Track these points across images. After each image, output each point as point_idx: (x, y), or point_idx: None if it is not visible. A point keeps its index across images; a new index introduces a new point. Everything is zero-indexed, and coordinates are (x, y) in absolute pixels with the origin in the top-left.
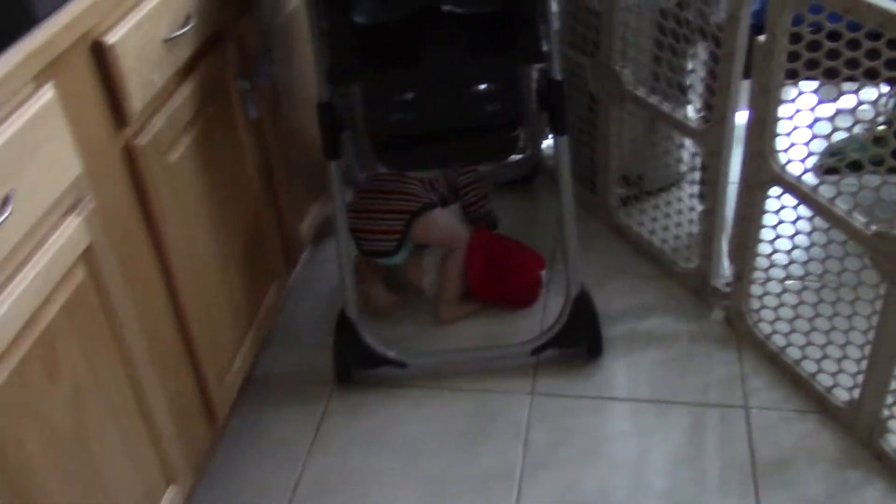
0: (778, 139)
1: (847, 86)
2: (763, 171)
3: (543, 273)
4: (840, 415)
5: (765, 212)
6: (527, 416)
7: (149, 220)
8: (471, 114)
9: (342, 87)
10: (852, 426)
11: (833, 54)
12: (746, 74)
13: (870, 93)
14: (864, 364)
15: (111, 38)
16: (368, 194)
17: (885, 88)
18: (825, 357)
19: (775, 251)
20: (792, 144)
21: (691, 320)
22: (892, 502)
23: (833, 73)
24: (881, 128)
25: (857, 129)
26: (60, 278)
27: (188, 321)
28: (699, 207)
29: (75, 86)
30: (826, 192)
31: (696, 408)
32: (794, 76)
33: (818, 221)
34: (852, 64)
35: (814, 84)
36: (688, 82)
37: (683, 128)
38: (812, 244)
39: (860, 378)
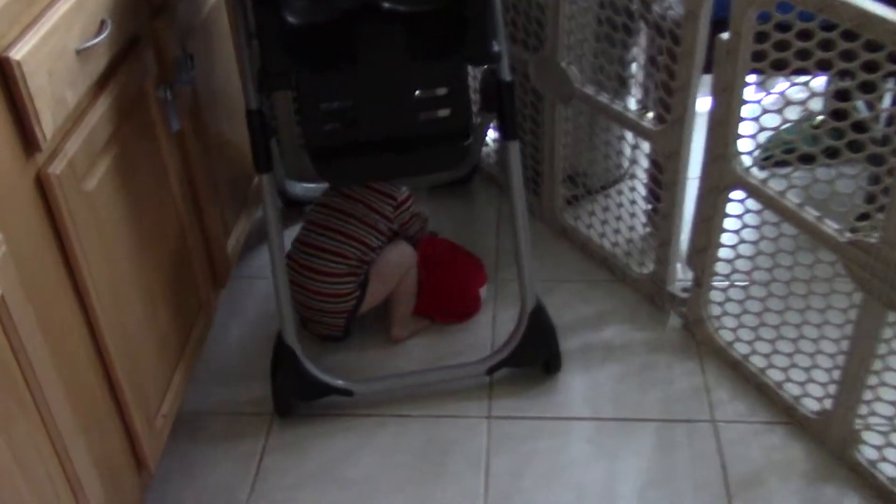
0: (740, 141)
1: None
2: (725, 174)
3: (482, 290)
4: (810, 425)
5: (726, 215)
6: (485, 442)
7: (67, 259)
8: (417, 121)
9: (269, 96)
10: (824, 437)
11: (803, 54)
12: (707, 69)
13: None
14: (835, 373)
15: (16, 54)
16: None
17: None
18: (793, 366)
19: (738, 256)
20: (756, 146)
21: (648, 329)
22: None
23: (802, 72)
24: (819, 118)
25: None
26: None
27: (113, 369)
28: (647, 206)
29: None
30: (794, 196)
31: (661, 424)
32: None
33: (786, 227)
34: (824, 65)
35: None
36: (628, 73)
37: (638, 129)
38: (778, 250)
39: (832, 388)
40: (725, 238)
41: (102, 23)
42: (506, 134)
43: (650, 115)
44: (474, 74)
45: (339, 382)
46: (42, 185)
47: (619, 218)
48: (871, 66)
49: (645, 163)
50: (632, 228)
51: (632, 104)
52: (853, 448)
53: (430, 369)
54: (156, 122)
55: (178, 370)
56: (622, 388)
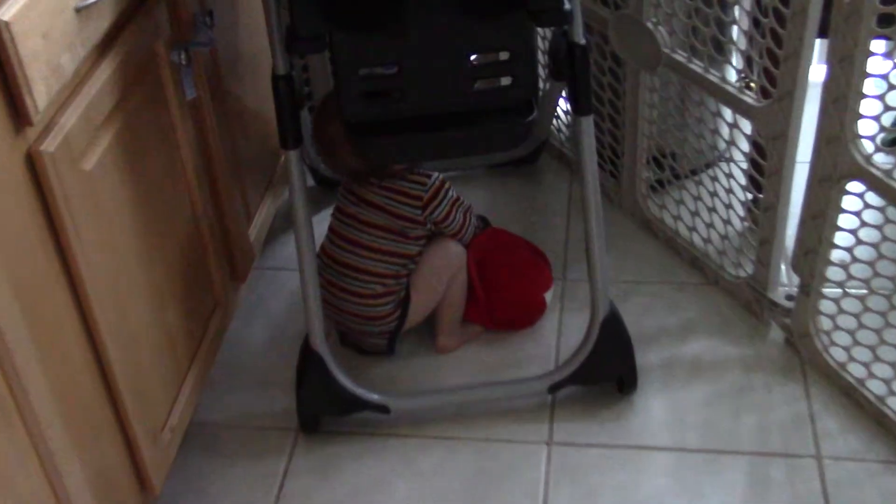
0: (861, 122)
1: None
2: (841, 161)
3: (548, 293)
4: None
5: (841, 210)
6: (544, 472)
7: (61, 248)
8: (473, 92)
9: (303, 57)
10: None
11: None
12: (821, 34)
13: None
14: None
15: (4, 14)
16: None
17: None
18: None
19: (854, 259)
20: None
21: (744, 343)
22: None
23: None
24: None
25: None
26: None
27: (112, 373)
28: (746, 197)
29: None
30: None
31: (756, 458)
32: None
33: None
34: None
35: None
36: (727, 37)
37: (737, 104)
38: None
39: None
40: (839, 238)
41: None
42: (578, 107)
43: (752, 87)
44: (543, 34)
45: (375, 396)
46: (33, 165)
47: (712, 209)
48: None
49: (745, 145)
50: (727, 222)
51: (731, 74)
52: None
53: (481, 384)
54: (168, 90)
55: (190, 376)
56: (710, 413)
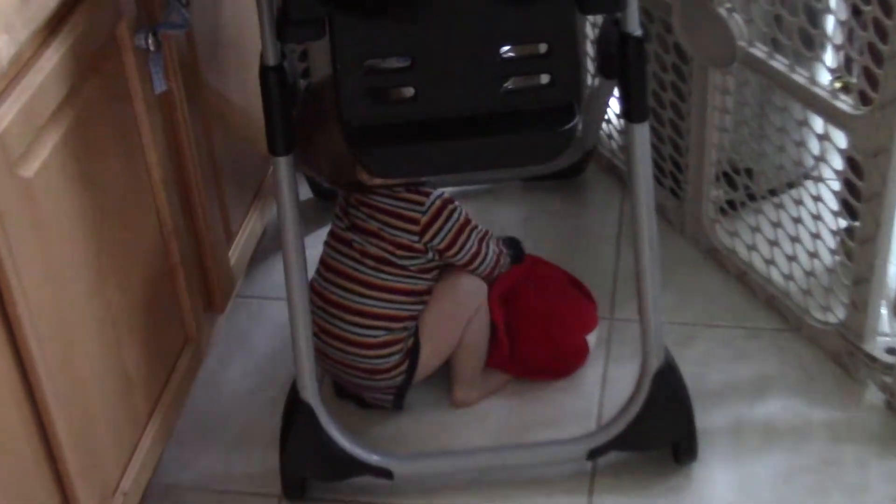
0: None
1: None
2: None
3: (591, 336)
4: None
5: None
6: None
7: None
8: (503, 91)
9: (298, 45)
10: None
11: None
12: None
13: None
14: None
15: None
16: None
17: None
18: None
19: None
20: None
21: (833, 404)
22: None
23: None
24: None
25: None
26: None
27: (52, 425)
28: (839, 224)
29: None
30: None
31: None
32: None
33: None
34: None
35: None
36: (819, 29)
37: (829, 111)
38: None
39: None
40: None
41: None
42: (631, 112)
43: (849, 91)
44: (594, 21)
45: (375, 458)
46: None
47: (795, 239)
48: None
49: (838, 161)
50: (814, 255)
51: (822, 75)
52: None
53: (505, 447)
54: (131, 81)
55: (150, 428)
56: (788, 492)
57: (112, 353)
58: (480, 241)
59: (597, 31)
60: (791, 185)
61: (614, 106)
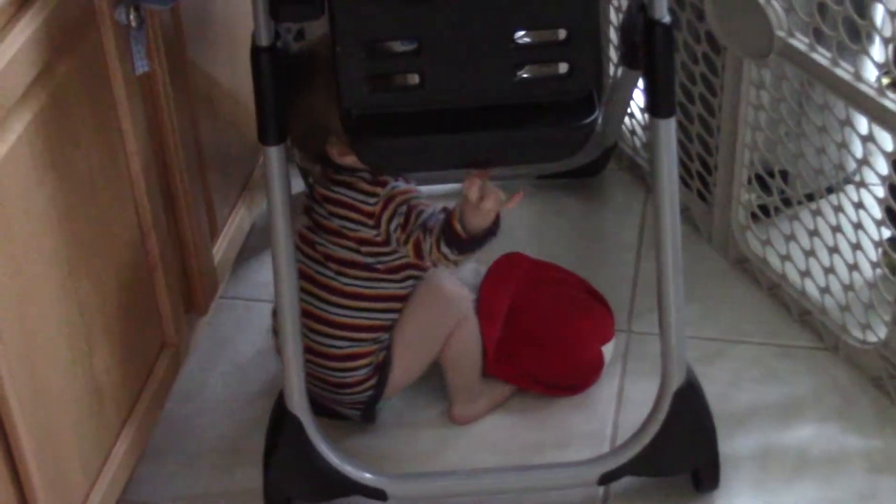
0: None
1: None
2: None
3: (607, 347)
4: None
5: None
6: None
7: None
8: (517, 81)
9: (294, 24)
10: None
11: None
12: None
13: None
14: None
15: None
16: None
17: None
18: None
19: None
20: None
21: (872, 431)
22: None
23: None
24: None
25: None
26: None
27: (16, 438)
28: (882, 235)
29: None
30: None
31: None
32: None
33: None
34: None
35: None
36: (866, 18)
37: (875, 110)
38: None
39: None
40: None
41: None
42: (657, 106)
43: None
44: (618, 6)
45: (368, 476)
46: None
47: (833, 249)
48: None
49: (882, 165)
50: (854, 267)
51: (868, 70)
52: None
53: (511, 469)
54: (110, 60)
55: (122, 441)
56: None
57: (82, 357)
58: (410, 208)
59: (621, 16)
60: (830, 191)
61: (638, 99)
